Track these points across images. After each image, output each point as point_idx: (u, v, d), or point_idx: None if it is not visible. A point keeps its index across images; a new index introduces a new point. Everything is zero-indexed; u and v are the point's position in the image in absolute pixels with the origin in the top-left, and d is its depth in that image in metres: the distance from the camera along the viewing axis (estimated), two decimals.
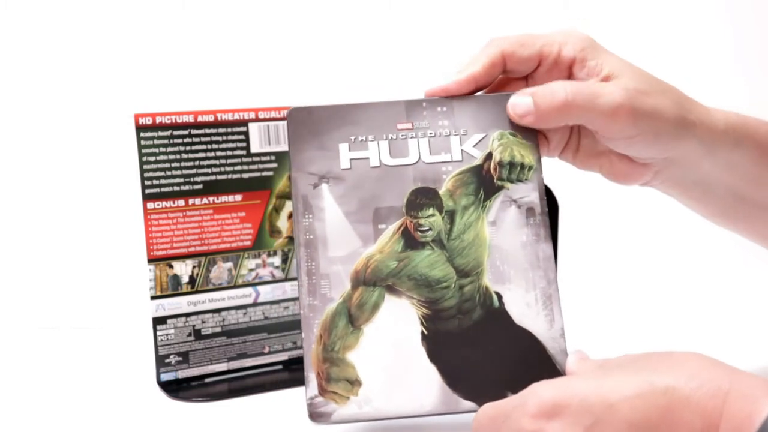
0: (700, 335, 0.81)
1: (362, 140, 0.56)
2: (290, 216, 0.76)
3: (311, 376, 0.53)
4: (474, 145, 0.57)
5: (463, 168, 0.57)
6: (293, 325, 0.77)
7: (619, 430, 0.45)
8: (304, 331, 0.53)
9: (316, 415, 0.53)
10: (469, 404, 0.53)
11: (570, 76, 0.59)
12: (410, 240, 0.55)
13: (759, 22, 1.12)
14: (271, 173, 0.75)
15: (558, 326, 0.56)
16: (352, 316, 0.54)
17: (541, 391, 0.48)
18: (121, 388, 0.73)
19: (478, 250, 0.56)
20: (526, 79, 0.60)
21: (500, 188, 0.57)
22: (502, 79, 0.61)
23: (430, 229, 0.56)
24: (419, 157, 0.57)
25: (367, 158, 0.56)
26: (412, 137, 0.57)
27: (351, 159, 0.56)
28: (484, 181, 0.57)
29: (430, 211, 0.56)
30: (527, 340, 0.55)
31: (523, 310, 0.56)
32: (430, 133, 0.57)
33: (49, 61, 1.02)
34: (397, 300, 0.54)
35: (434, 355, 0.54)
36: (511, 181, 0.57)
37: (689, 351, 0.49)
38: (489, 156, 0.57)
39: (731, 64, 1.11)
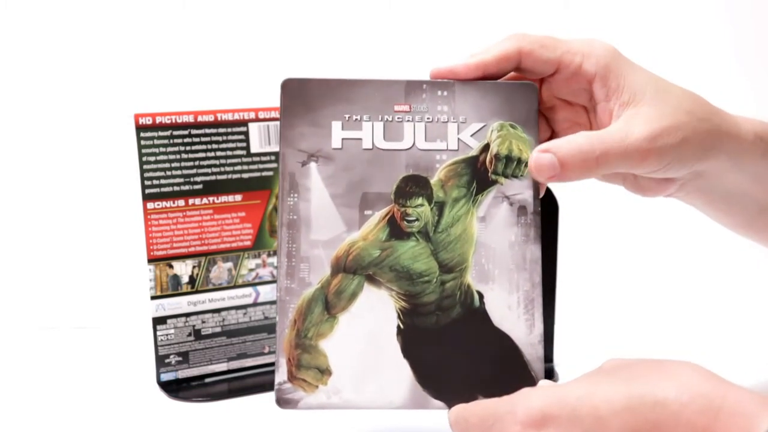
0: (699, 340, 0.81)
1: (356, 119, 0.54)
2: None
3: (282, 361, 0.52)
4: (472, 135, 0.55)
5: (458, 158, 0.55)
6: None
7: None
8: (279, 314, 0.52)
9: (283, 401, 0.52)
10: (437, 403, 0.53)
11: (590, 91, 0.57)
12: (396, 229, 0.54)
13: (759, 22, 1.12)
14: (271, 173, 0.75)
15: (537, 332, 0.54)
16: (329, 304, 0.53)
17: (531, 399, 0.48)
18: (121, 388, 0.73)
19: (464, 245, 0.54)
20: (542, 82, 0.58)
21: (494, 183, 0.55)
22: (515, 76, 0.58)
23: (417, 219, 0.54)
24: (414, 143, 0.55)
25: (360, 139, 0.54)
26: (408, 120, 0.55)
27: (343, 138, 0.54)
28: (478, 174, 0.55)
29: (419, 200, 0.54)
30: (505, 343, 0.54)
31: (504, 312, 0.54)
32: (428, 118, 0.55)
33: (49, 61, 1.02)
34: (376, 290, 0.53)
35: (408, 351, 0.53)
36: (506, 176, 0.55)
37: (683, 361, 0.48)
38: (486, 147, 0.55)
39: (731, 64, 1.11)
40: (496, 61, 0.55)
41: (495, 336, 0.54)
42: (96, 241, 0.99)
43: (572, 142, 0.53)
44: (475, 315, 0.54)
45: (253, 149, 0.75)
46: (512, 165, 0.55)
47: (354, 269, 0.53)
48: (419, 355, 0.53)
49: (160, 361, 0.73)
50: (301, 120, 0.54)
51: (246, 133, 0.74)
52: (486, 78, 0.56)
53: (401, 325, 0.53)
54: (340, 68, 1.06)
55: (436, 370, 0.53)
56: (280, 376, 0.52)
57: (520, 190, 0.55)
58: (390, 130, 0.55)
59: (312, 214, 0.53)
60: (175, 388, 0.72)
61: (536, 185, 0.55)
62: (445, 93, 0.55)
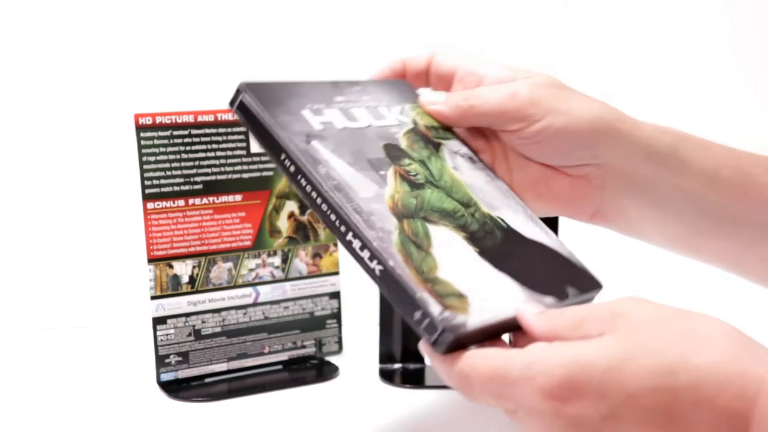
0: None
1: (317, 108, 0.57)
2: (290, 216, 0.76)
3: (424, 296, 0.48)
4: (399, 114, 0.61)
5: (405, 129, 0.60)
6: (293, 325, 0.77)
7: (637, 424, 0.43)
8: (387, 260, 0.49)
9: (449, 329, 0.47)
10: (549, 299, 0.52)
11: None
12: (410, 182, 0.56)
13: (759, 22, 1.12)
14: (271, 173, 0.75)
15: (553, 235, 0.58)
16: (416, 243, 0.52)
17: (551, 364, 0.44)
18: (121, 388, 0.73)
19: (461, 188, 0.57)
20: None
21: (440, 144, 0.60)
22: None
23: (417, 174, 0.56)
24: (369, 122, 0.58)
25: (331, 121, 0.57)
26: (351, 107, 0.59)
27: (320, 122, 0.56)
28: (426, 139, 0.60)
29: (407, 161, 0.57)
30: (543, 250, 0.56)
31: (523, 227, 0.57)
32: (363, 105, 0.60)
33: (49, 61, 1.02)
34: (437, 228, 0.54)
35: (498, 266, 0.53)
36: (443, 139, 0.61)
37: (716, 322, 0.45)
38: (414, 122, 0.61)
39: (731, 64, 1.12)
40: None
41: (534, 246, 0.57)
42: (96, 241, 0.99)
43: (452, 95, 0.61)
44: (511, 233, 0.56)
45: (253, 149, 0.75)
46: (440, 130, 0.61)
47: (410, 214, 0.54)
48: (506, 267, 0.53)
49: (160, 361, 0.73)
50: (279, 110, 0.55)
51: (246, 133, 0.74)
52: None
53: (476, 249, 0.54)
54: (340, 68, 1.06)
55: (530, 274, 0.53)
56: (433, 307, 0.47)
57: (459, 147, 0.61)
58: (346, 114, 0.58)
59: (347, 178, 0.53)
60: (175, 388, 0.72)
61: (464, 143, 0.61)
62: (359, 88, 0.61)
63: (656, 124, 0.62)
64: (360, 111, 0.59)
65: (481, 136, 0.63)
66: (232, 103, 0.55)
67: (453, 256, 0.52)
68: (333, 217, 0.51)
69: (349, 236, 0.50)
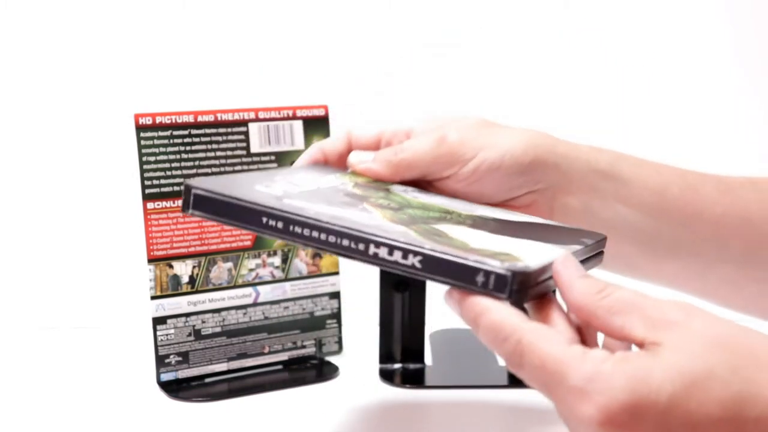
0: None
1: (267, 184, 0.56)
2: None
3: (478, 258, 0.47)
4: (335, 179, 0.60)
5: (351, 185, 0.59)
6: (293, 325, 0.77)
7: None
8: (422, 247, 0.48)
9: (518, 272, 0.46)
10: (575, 247, 0.53)
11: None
12: (391, 209, 0.55)
13: (759, 22, 1.12)
14: None
15: (538, 218, 0.59)
16: (434, 233, 0.52)
17: (614, 387, 0.40)
18: (121, 388, 0.73)
19: (434, 205, 0.57)
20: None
21: (387, 188, 0.60)
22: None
23: (391, 203, 0.56)
24: (317, 185, 0.58)
25: (286, 189, 0.56)
26: (293, 180, 0.58)
27: (278, 189, 0.55)
28: (375, 187, 0.60)
29: (374, 198, 0.57)
30: (539, 225, 0.58)
31: (508, 216, 0.58)
32: (302, 178, 0.59)
33: (49, 61, 1.02)
34: (440, 225, 0.54)
35: (515, 237, 0.54)
36: (387, 185, 0.61)
37: None
38: (353, 182, 0.60)
39: (731, 64, 1.11)
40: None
41: (536, 224, 0.57)
42: (96, 241, 0.99)
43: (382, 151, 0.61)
44: (504, 221, 0.57)
45: (253, 149, 0.75)
46: (379, 184, 0.60)
47: (411, 223, 0.53)
48: (523, 236, 0.54)
49: (160, 361, 0.73)
50: (236, 190, 0.53)
51: (246, 133, 0.74)
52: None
53: (485, 231, 0.54)
54: (339, 68, 1.06)
55: (545, 237, 0.54)
56: (493, 262, 0.47)
57: (405, 187, 0.61)
58: (294, 184, 0.57)
59: (335, 213, 0.52)
60: (175, 388, 0.72)
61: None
62: (288, 170, 0.61)
63: (591, 145, 0.61)
64: (303, 180, 0.59)
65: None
66: (185, 206, 0.53)
67: (472, 236, 0.52)
68: (346, 242, 0.50)
69: (372, 249, 0.49)
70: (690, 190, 0.61)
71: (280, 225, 0.51)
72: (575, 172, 0.60)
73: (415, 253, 0.48)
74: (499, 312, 0.45)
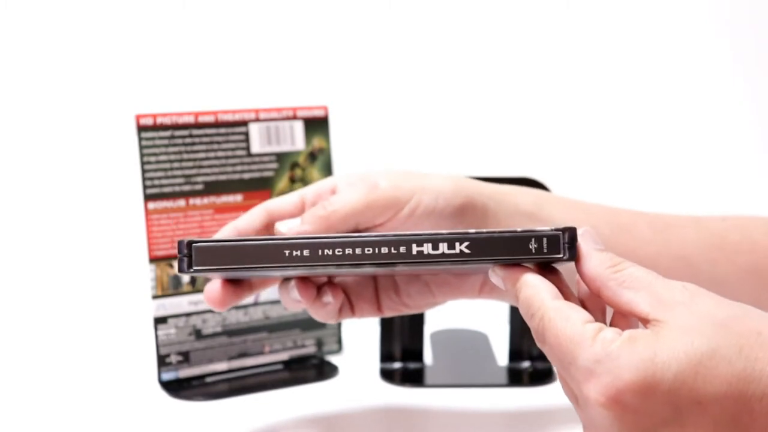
0: None
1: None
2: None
3: (525, 227, 0.48)
4: None
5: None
6: (294, 324, 0.78)
7: (702, 428, 0.41)
8: (466, 231, 0.48)
9: (568, 231, 0.47)
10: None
11: None
12: None
13: (759, 22, 1.12)
14: (271, 173, 0.75)
15: None
16: None
17: (621, 366, 0.41)
18: (122, 387, 0.73)
19: None
20: None
21: None
22: None
23: None
24: None
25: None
26: None
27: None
28: None
29: None
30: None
31: None
32: None
33: (50, 61, 1.02)
34: None
35: None
36: None
37: None
38: None
39: (731, 64, 1.12)
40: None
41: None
42: (97, 241, 0.99)
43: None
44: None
45: (254, 149, 0.75)
46: None
47: None
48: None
49: (161, 361, 0.73)
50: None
51: (246, 134, 0.75)
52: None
53: None
54: (339, 67, 1.07)
55: None
56: (542, 228, 0.47)
57: None
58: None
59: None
60: (176, 388, 0.72)
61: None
62: None
63: (511, 186, 0.61)
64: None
65: None
66: (187, 266, 0.49)
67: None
68: (385, 249, 0.48)
69: (415, 248, 0.48)
70: (621, 230, 0.61)
71: (306, 252, 0.48)
72: (503, 214, 0.59)
73: (462, 240, 0.47)
74: (530, 288, 0.46)
